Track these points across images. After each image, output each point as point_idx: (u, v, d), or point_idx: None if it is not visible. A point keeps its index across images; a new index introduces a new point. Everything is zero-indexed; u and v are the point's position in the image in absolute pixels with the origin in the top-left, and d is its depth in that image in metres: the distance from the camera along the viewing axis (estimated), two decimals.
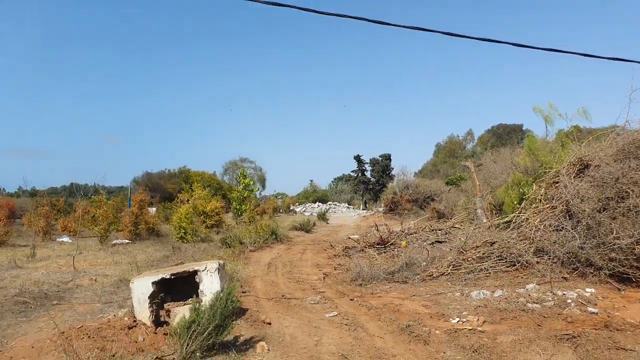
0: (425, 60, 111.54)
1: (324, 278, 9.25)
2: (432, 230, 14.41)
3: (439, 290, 7.56)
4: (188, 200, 20.37)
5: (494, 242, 8.66)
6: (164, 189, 46.17)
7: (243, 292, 7.71)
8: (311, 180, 64.58)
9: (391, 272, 8.86)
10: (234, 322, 5.49)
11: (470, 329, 5.26)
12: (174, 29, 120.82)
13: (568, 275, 7.33)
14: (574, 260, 7.36)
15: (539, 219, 8.31)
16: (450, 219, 16.83)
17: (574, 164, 8.54)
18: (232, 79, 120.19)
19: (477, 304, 6.38)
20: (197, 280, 5.61)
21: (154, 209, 30.53)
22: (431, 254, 9.78)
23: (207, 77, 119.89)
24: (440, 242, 12.65)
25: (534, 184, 9.67)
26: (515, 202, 11.06)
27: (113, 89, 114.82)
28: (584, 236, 7.33)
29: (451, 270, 8.65)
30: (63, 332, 5.49)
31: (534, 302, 6.19)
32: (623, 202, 7.07)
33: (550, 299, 6.29)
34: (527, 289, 6.86)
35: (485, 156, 19.32)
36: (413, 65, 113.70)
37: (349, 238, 14.95)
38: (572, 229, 7.56)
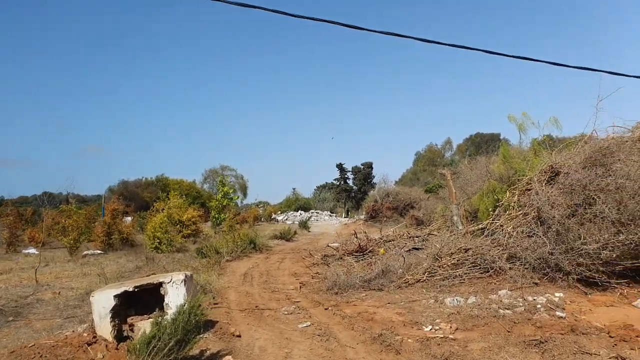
0: (404, 69, 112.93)
1: (300, 287, 9.14)
2: (410, 237, 14.46)
3: (413, 298, 7.54)
4: (163, 209, 20.00)
5: (468, 249, 8.70)
6: (140, 197, 45.44)
7: (215, 304, 7.55)
8: (294, 189, 64.31)
9: (367, 279, 8.81)
10: (201, 335, 5.36)
11: (442, 337, 5.23)
12: (152, 36, 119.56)
13: (539, 281, 7.40)
14: (544, 265, 7.44)
15: (511, 226, 8.39)
16: (428, 226, 16.96)
17: (545, 172, 8.67)
18: (213, 85, 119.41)
19: (450, 311, 6.37)
20: (162, 292, 5.45)
21: (130, 218, 29.97)
22: (407, 260, 9.78)
23: (186, 83, 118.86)
24: (418, 249, 12.70)
25: (507, 191, 9.79)
26: (489, 209, 11.17)
27: (94, 96, 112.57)
28: (554, 242, 7.43)
29: (426, 277, 8.64)
30: (13, 352, 5.21)
31: (505, 308, 6.21)
32: (590, 209, 7.18)
33: (521, 304, 6.32)
34: (499, 295, 6.90)
35: (461, 164, 19.55)
36: (392, 75, 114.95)
37: (328, 246, 14.88)
38: (543, 235, 7.66)
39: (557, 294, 6.75)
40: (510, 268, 7.77)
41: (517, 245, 7.85)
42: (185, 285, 5.51)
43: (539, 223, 8.05)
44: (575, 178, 7.52)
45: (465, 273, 8.23)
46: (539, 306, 6.18)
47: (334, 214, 55.66)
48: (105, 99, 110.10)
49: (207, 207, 32.38)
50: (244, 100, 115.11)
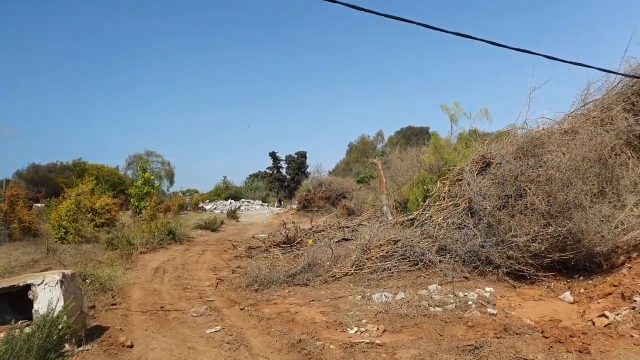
0: (339, 60, 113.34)
1: (216, 284, 8.24)
2: (340, 227, 14.01)
3: (340, 293, 6.96)
4: (71, 196, 17.97)
5: (397, 240, 8.30)
6: (54, 183, 41.56)
7: (112, 305, 6.46)
8: (224, 177, 62.14)
9: (292, 274, 8.12)
10: (82, 347, 4.37)
11: (368, 342, 4.64)
12: (72, 12, 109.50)
13: (469, 274, 7.12)
14: (474, 258, 7.17)
15: (442, 217, 8.08)
16: (359, 216, 16.66)
17: (476, 162, 8.45)
18: (140, 67, 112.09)
19: (378, 309, 5.84)
20: (31, 297, 4.35)
21: (41, 205, 27.13)
22: (336, 252, 9.24)
23: (111, 64, 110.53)
24: (347, 239, 12.26)
25: (438, 181, 9.53)
26: (419, 200, 10.93)
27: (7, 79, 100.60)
28: (485, 234, 7.18)
29: (354, 270, 8.13)
30: None
31: (436, 306, 5.79)
32: (521, 200, 7.00)
33: (452, 300, 5.94)
34: (429, 290, 6.49)
35: (392, 154, 19.41)
36: (327, 64, 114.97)
37: (254, 237, 14.02)
38: (474, 226, 7.39)
39: (487, 289, 6.47)
40: (440, 261, 7.45)
41: (448, 237, 7.54)
42: (62, 287, 4.45)
43: (469, 214, 7.81)
44: (507, 168, 7.31)
45: (394, 266, 7.80)
46: (470, 302, 5.82)
47: (266, 204, 54.58)
48: (22, 78, 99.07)
49: (127, 194, 30.12)
50: (175, 85, 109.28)
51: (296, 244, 12.04)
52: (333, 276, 8.02)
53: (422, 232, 8.09)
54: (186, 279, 8.85)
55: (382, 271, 7.78)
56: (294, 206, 39.57)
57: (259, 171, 64.11)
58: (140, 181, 28.12)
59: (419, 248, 7.72)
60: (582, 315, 5.45)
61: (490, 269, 7.00)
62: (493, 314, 5.49)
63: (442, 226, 7.84)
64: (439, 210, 8.46)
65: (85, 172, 39.79)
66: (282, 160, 59.17)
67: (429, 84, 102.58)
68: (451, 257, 7.32)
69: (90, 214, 18.72)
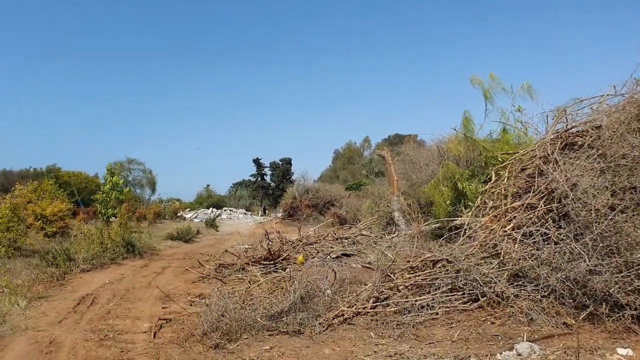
0: (322, 65, 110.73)
1: (158, 329, 5.29)
2: (337, 239, 11.23)
3: (357, 354, 4.10)
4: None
5: (437, 261, 5.47)
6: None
7: None
8: (207, 185, 58.90)
9: (276, 313, 5.25)
10: None
11: None
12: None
13: (574, 321, 4.30)
14: (578, 292, 4.35)
15: (509, 225, 5.27)
16: (357, 224, 13.96)
17: (553, 143, 5.70)
18: (126, 75, 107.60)
19: None
20: None
21: None
22: (339, 275, 6.45)
23: (95, 71, 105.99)
24: (349, 255, 9.49)
25: (492, 172, 6.70)
26: (447, 202, 8.16)
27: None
28: (593, 252, 4.37)
29: (372, 305, 5.31)
30: None
31: None
32: None
33: None
34: (519, 353, 3.68)
35: (405, 144, 16.52)
36: (312, 71, 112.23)
37: (227, 251, 11.06)
38: (573, 240, 4.58)
39: (621, 351, 3.69)
40: (516, 295, 4.62)
41: (531, 257, 4.70)
42: None
43: (557, 220, 5.01)
44: (627, 144, 4.57)
45: (440, 302, 4.97)
46: None
47: (250, 212, 51.67)
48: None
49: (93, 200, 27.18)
50: (159, 94, 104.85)
51: (282, 260, 9.19)
52: (340, 316, 5.17)
53: (483, 249, 5.24)
54: (117, 317, 5.88)
55: (418, 309, 4.95)
56: (279, 215, 36.91)
57: (243, 180, 61.26)
58: (107, 186, 25.05)
59: (478, 274, 4.88)
60: None
61: (607, 310, 4.21)
62: None
63: (516, 239, 5.02)
64: (496, 217, 5.66)
65: (59, 179, 36.48)
66: (267, 167, 56.55)
67: (418, 91, 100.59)
68: (536, 290, 4.51)
69: (40, 221, 15.82)
